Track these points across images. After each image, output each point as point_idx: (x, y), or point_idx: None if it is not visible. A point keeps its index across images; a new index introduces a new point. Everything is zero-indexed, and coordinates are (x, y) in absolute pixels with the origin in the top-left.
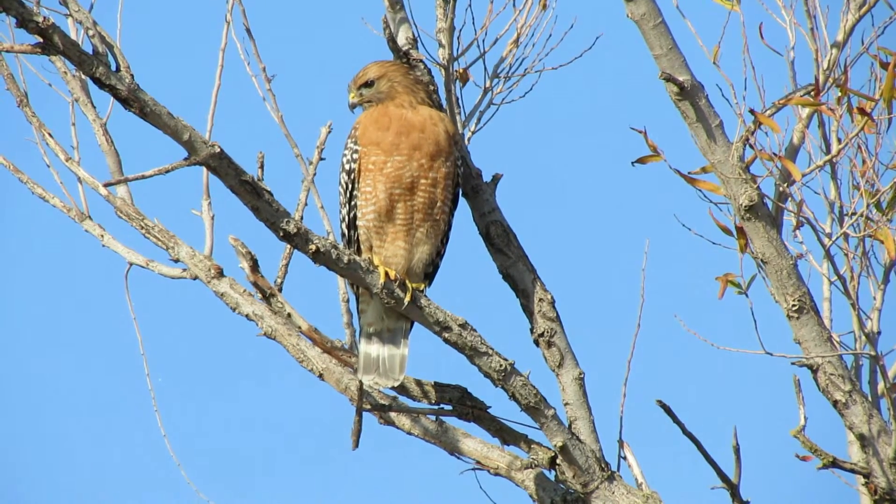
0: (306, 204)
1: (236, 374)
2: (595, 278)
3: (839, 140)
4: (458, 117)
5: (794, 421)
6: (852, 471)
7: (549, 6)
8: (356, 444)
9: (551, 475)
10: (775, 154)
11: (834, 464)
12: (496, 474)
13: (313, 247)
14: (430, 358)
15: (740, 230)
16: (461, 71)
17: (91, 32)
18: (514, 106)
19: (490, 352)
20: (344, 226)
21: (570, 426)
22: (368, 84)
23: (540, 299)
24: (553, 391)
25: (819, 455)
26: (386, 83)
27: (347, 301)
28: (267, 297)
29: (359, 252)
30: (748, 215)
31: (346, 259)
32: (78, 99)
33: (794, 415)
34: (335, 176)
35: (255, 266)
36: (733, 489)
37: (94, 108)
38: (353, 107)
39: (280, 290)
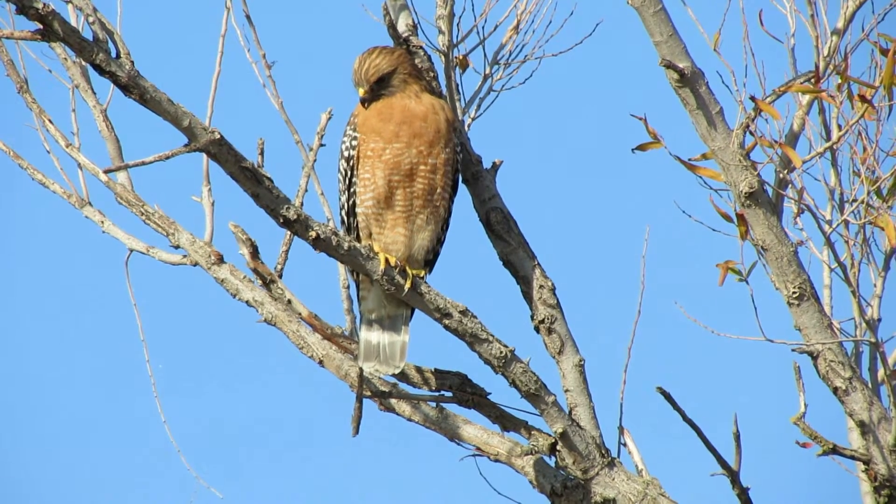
0: (306, 190)
1: (236, 360)
2: (595, 265)
3: (839, 127)
4: (457, 104)
5: (794, 408)
6: (852, 457)
7: None
8: (356, 431)
9: (551, 461)
10: (776, 141)
11: (834, 451)
12: (496, 460)
13: (313, 233)
14: (430, 345)
15: (741, 217)
16: (461, 57)
17: (91, 19)
18: (513, 93)
19: (490, 338)
20: (343, 213)
21: (570, 413)
22: (381, 80)
23: (540, 286)
24: (553, 378)
25: (819, 442)
26: (398, 78)
27: (348, 288)
28: (267, 284)
29: (358, 239)
30: (748, 202)
31: (346, 246)
32: (78, 85)
33: (794, 402)
34: (335, 162)
35: (255, 252)
36: (733, 476)
37: (95, 94)
38: (366, 102)
39: (280, 276)
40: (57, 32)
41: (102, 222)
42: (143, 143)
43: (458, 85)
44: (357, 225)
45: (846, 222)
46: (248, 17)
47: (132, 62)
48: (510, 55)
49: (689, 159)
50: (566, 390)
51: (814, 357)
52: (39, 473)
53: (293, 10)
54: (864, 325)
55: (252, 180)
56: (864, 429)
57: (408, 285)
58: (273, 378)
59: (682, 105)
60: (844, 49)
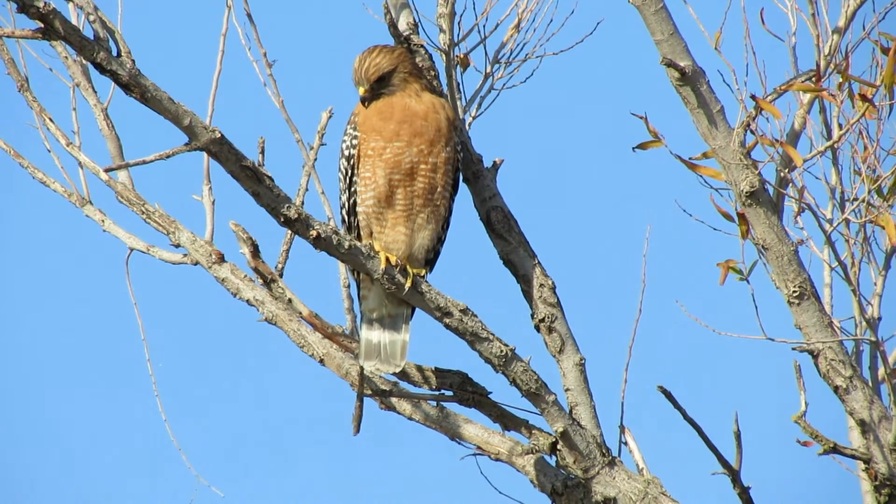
0: (307, 189)
1: (237, 359)
2: (596, 264)
3: (840, 126)
4: (458, 103)
5: (794, 406)
6: (853, 456)
7: None
8: (357, 430)
9: (552, 461)
10: (776, 140)
11: (834, 449)
12: (497, 460)
13: (314, 232)
14: (430, 344)
15: (741, 216)
16: (462, 56)
17: (92, 17)
18: (514, 91)
19: (491, 337)
20: (344, 212)
21: (570, 412)
22: (381, 79)
23: (541, 285)
24: (554, 377)
25: (820, 441)
26: (399, 77)
27: (348, 287)
28: (268, 283)
29: (359, 238)
30: (749, 201)
31: (346, 245)
32: (79, 84)
33: (794, 400)
34: (336, 161)
35: (255, 251)
36: (734, 475)
37: (95, 93)
38: (367, 101)
39: (281, 275)
40: (58, 31)
41: (103, 221)
42: (144, 141)
43: (458, 84)
44: (358, 224)
45: (847, 221)
46: (248, 15)
47: (133, 61)
48: (511, 54)
49: (690, 158)
50: (567, 389)
51: (814, 356)
52: (40, 473)
53: (294, 8)
54: (864, 323)
55: (253, 179)
56: (865, 428)
57: (408, 284)
58: (273, 377)
59: (683, 104)
60: (845, 48)
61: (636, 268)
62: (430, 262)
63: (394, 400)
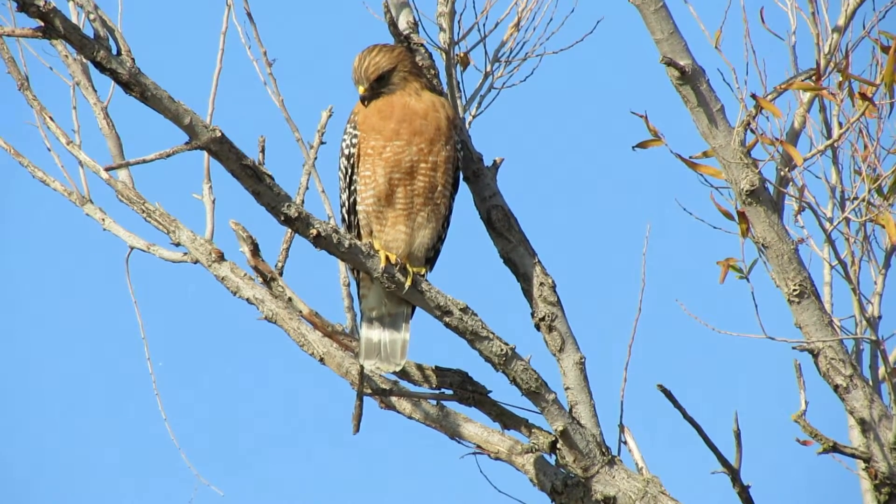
0: (307, 188)
1: (237, 358)
2: (596, 262)
3: (840, 125)
4: (458, 101)
5: (794, 405)
6: (853, 455)
7: None
8: (357, 429)
9: (552, 459)
10: (776, 139)
11: (834, 448)
12: (497, 458)
13: (314, 231)
14: (431, 342)
15: (742, 215)
16: (462, 55)
17: (92, 16)
18: (514, 90)
19: (491, 336)
20: (344, 211)
21: (570, 410)
22: (381, 78)
23: (541, 283)
24: (554, 375)
25: (820, 440)
26: (398, 76)
27: (348, 285)
28: (268, 282)
29: (359, 237)
30: (749, 200)
31: (346, 243)
32: (79, 83)
33: (794, 399)
34: (336, 160)
35: (255, 250)
36: (734, 474)
37: (95, 91)
38: (366, 100)
39: (281, 274)
40: (58, 29)
41: (103, 220)
42: (144, 140)
43: (458, 82)
44: (358, 223)
45: (847, 220)
46: (248, 14)
47: (133, 59)
48: (511, 53)
49: (690, 157)
50: (567, 388)
51: (814, 355)
52: (39, 472)
53: (294, 7)
54: (864, 322)
55: (253, 178)
56: (865, 426)
57: (408, 283)
58: (273, 376)
59: (683, 103)
60: (845, 46)
61: (636, 266)
62: (430, 260)
63: (394, 399)
